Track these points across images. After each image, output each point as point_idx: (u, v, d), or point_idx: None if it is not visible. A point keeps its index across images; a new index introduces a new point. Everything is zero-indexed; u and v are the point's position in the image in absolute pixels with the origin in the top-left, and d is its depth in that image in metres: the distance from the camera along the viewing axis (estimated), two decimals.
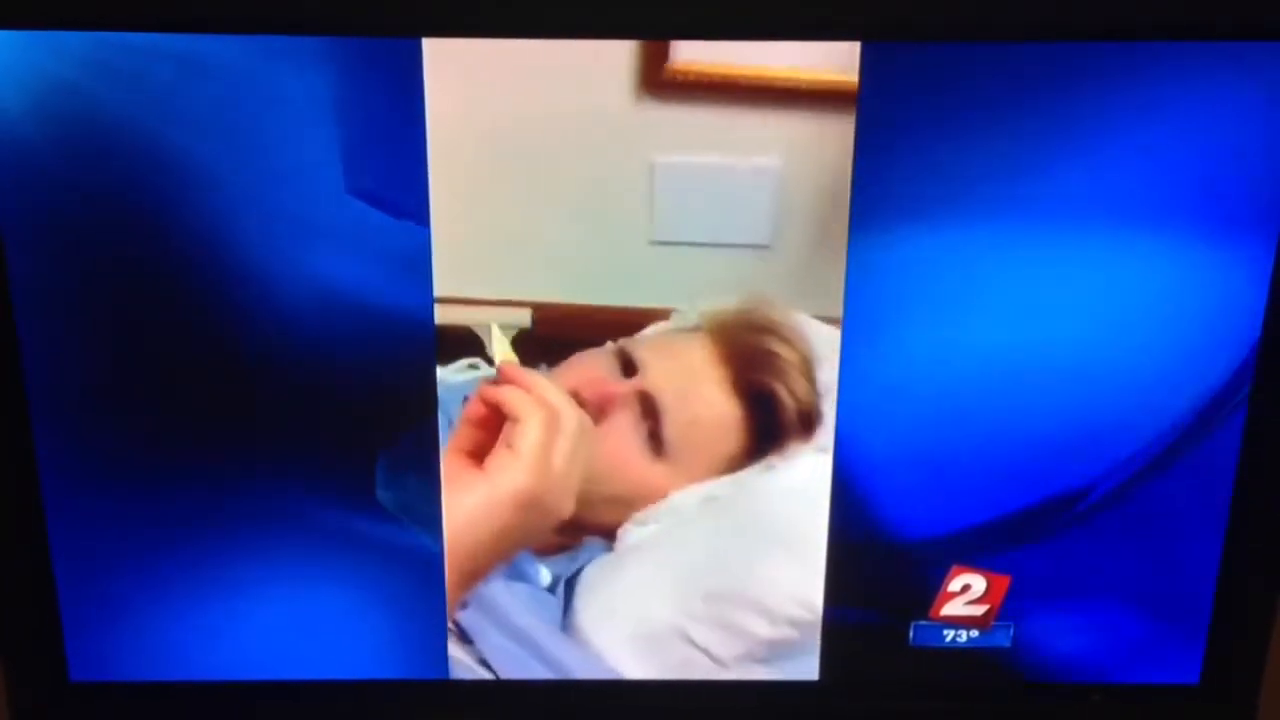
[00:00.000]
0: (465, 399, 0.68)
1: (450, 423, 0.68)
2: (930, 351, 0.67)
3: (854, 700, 0.76)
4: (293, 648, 0.73)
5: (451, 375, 0.67)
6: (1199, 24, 0.61)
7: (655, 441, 0.69)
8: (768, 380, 0.68)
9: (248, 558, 0.71)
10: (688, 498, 0.70)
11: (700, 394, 0.68)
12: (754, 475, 0.69)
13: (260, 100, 0.61)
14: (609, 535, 0.71)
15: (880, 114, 0.62)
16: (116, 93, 0.61)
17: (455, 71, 0.61)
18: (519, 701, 0.75)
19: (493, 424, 0.68)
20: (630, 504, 0.70)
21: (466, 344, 0.66)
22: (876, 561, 0.71)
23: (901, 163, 0.63)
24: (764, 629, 0.73)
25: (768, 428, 0.69)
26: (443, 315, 0.65)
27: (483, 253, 0.65)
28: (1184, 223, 0.64)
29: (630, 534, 0.70)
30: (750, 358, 0.68)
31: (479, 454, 0.68)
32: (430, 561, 0.70)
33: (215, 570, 0.71)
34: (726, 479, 0.69)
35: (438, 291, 0.65)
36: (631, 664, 0.73)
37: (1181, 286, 0.66)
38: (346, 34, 0.60)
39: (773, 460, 0.69)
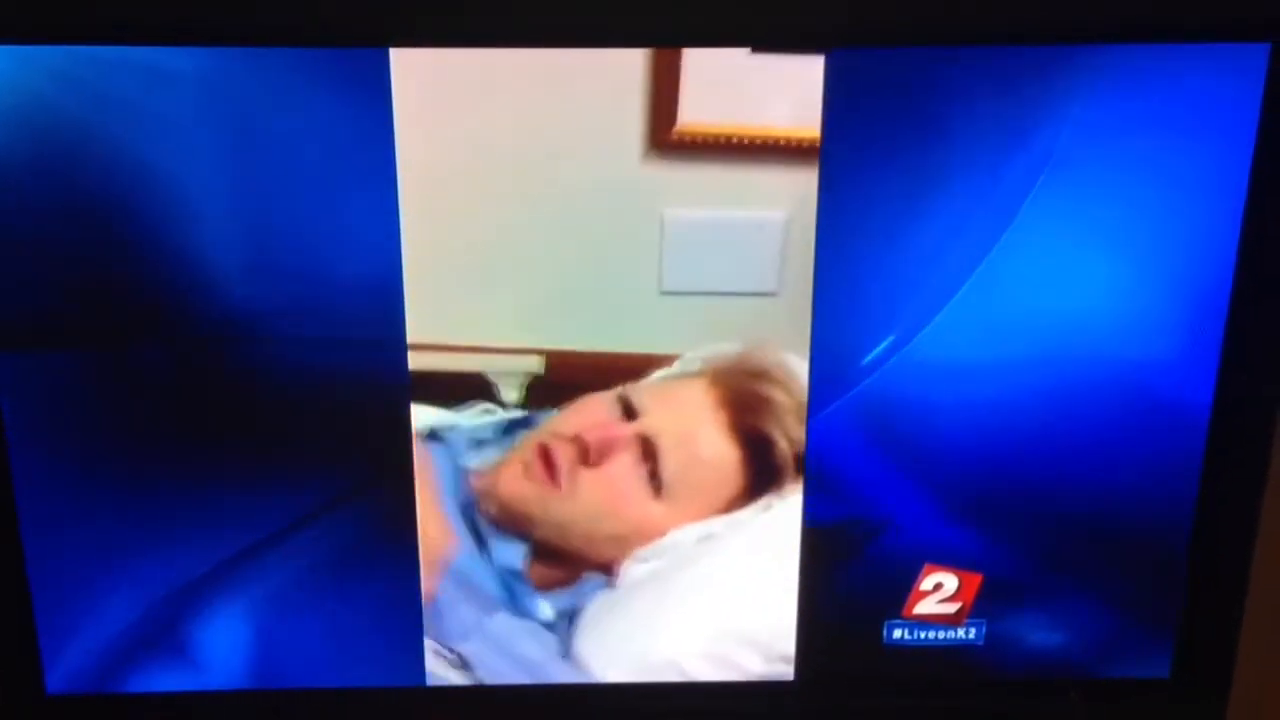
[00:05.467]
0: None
1: (456, 466, 0.70)
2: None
3: (829, 699, 0.77)
4: (269, 658, 0.73)
5: (465, 419, 0.69)
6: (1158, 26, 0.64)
7: (655, 482, 0.71)
8: (763, 424, 0.71)
9: (223, 571, 0.71)
10: (686, 535, 0.72)
11: (698, 437, 0.71)
12: (750, 514, 0.72)
13: (231, 112, 0.62)
14: (610, 571, 0.73)
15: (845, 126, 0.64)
16: (84, 105, 0.62)
17: (475, 126, 0.63)
18: (496, 706, 0.76)
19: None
20: (631, 542, 0.72)
21: (481, 390, 0.68)
22: (851, 557, 0.73)
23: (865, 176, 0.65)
24: (758, 664, 0.76)
25: (764, 469, 0.71)
26: (457, 362, 0.67)
27: (498, 302, 0.67)
28: (1153, 228, 0.67)
29: (631, 571, 0.72)
30: (747, 402, 0.70)
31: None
32: (406, 570, 0.72)
33: (190, 583, 0.71)
34: (723, 518, 0.72)
35: (454, 340, 0.67)
36: None
37: (1149, 287, 0.68)
38: (313, 45, 0.62)
39: (770, 500, 0.72)
